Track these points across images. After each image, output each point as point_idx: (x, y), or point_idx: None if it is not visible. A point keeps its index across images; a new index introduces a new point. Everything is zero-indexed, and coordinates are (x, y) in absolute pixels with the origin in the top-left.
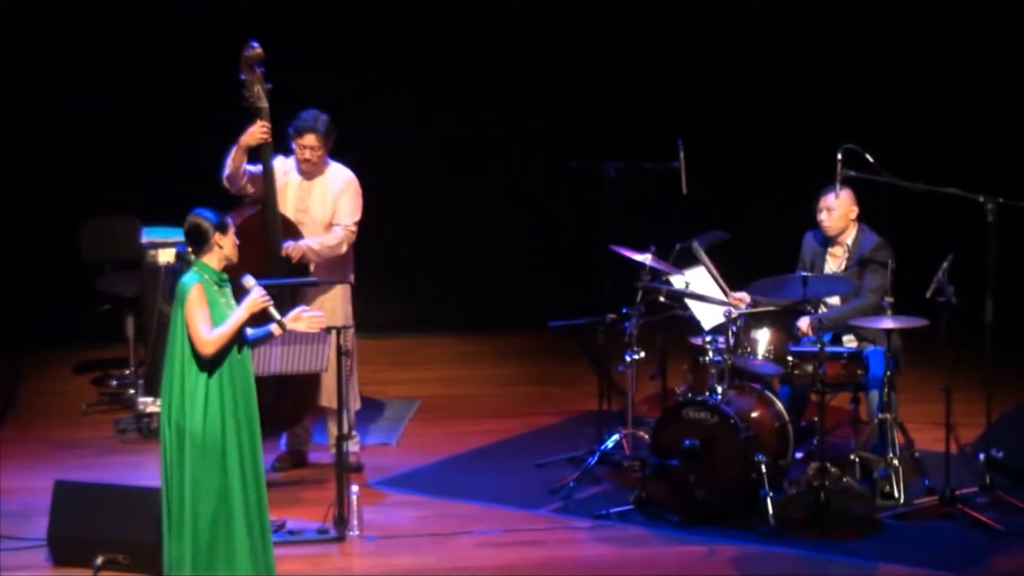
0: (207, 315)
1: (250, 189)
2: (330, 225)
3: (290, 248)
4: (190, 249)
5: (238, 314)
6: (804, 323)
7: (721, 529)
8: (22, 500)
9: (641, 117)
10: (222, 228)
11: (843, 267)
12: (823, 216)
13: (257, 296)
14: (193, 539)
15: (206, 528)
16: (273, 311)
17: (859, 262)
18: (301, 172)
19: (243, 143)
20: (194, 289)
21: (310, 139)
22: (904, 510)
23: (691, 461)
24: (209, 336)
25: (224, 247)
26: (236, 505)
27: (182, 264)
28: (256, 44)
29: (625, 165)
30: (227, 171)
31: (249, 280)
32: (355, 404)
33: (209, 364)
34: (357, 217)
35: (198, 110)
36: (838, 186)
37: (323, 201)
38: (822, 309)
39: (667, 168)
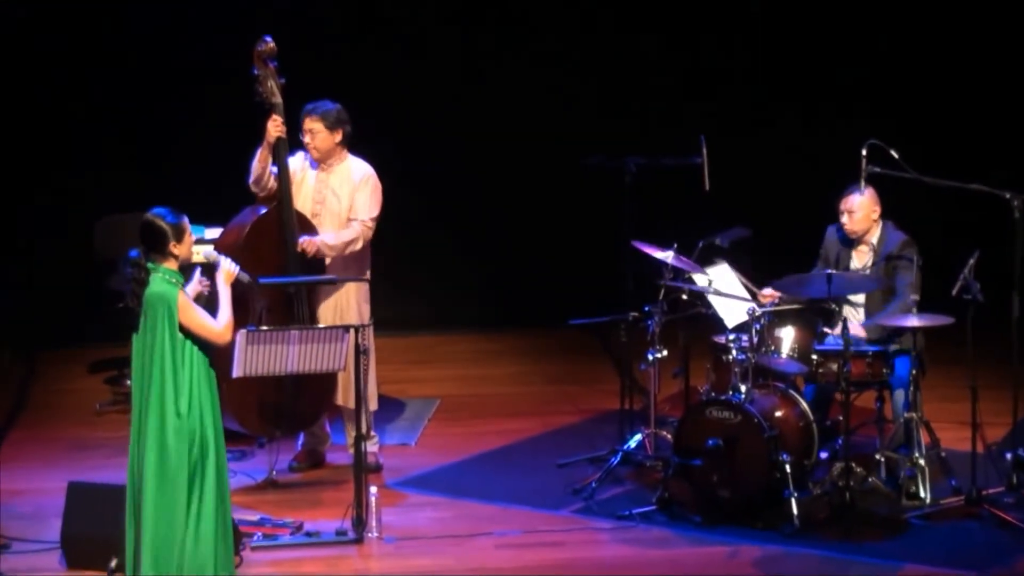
0: (202, 311)
1: (275, 188)
2: (347, 219)
3: (304, 243)
4: (146, 253)
5: (224, 293)
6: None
7: (744, 529)
8: (35, 501)
9: (662, 113)
10: (178, 234)
11: (868, 265)
12: (845, 219)
13: (228, 267)
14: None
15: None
16: (242, 274)
17: (886, 259)
18: (314, 162)
19: (267, 142)
20: (180, 298)
21: (308, 123)
22: (930, 510)
23: (714, 461)
24: (219, 326)
25: (180, 254)
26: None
27: (137, 271)
28: (269, 39)
29: (646, 161)
30: (254, 173)
31: (212, 254)
32: (372, 404)
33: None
34: (375, 213)
35: (211, 106)
36: (863, 182)
37: (339, 194)
38: (848, 308)
39: (689, 164)
